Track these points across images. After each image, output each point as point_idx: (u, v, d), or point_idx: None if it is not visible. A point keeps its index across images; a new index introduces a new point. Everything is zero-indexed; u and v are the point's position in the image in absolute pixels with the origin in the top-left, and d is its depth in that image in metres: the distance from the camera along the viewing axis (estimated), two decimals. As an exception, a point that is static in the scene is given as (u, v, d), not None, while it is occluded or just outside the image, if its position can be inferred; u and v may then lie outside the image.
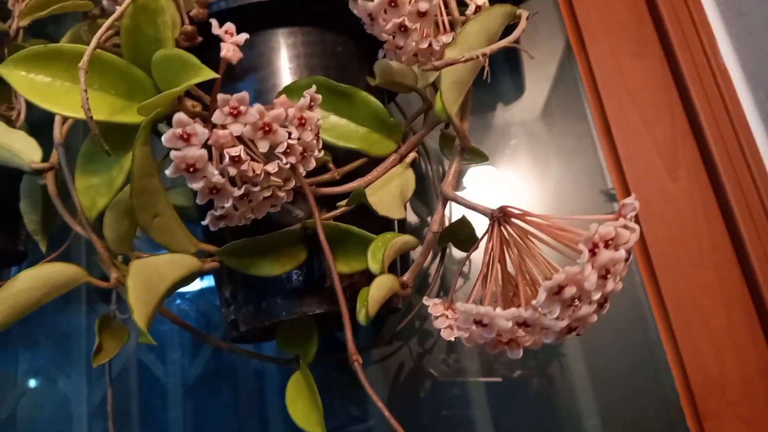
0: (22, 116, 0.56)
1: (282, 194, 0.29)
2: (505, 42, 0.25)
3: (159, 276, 0.30)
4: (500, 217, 0.26)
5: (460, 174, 0.39)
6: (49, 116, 0.64)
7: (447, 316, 0.26)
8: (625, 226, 0.23)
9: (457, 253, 0.53)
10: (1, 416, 0.60)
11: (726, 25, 0.55)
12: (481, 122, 0.58)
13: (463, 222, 0.47)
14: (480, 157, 0.38)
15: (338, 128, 0.35)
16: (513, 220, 0.26)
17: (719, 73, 0.54)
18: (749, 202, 0.50)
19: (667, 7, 0.56)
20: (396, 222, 0.42)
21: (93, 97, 0.32)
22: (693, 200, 0.52)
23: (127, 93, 0.33)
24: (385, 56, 0.36)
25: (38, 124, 0.62)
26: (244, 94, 0.26)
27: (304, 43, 0.40)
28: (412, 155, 0.37)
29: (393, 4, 0.31)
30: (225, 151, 0.26)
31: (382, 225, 0.37)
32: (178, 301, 0.60)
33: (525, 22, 0.27)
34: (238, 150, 0.26)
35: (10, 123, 0.56)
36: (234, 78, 0.39)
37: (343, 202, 0.34)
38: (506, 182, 0.55)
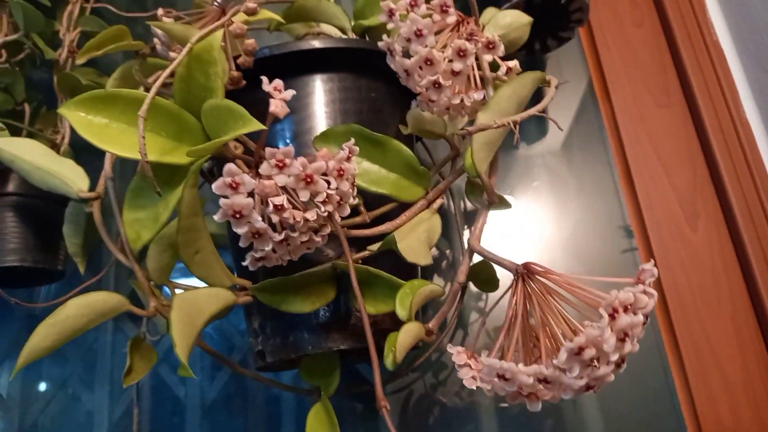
0: (66, 140, 0.59)
1: (318, 239, 0.31)
2: (534, 110, 0.26)
3: (198, 310, 0.32)
4: (524, 273, 0.27)
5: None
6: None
7: (470, 366, 0.27)
8: (644, 291, 0.24)
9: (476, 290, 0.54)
10: (24, 426, 0.62)
11: (749, 80, 0.57)
12: (503, 160, 0.60)
13: (485, 264, 0.48)
14: (504, 205, 0.40)
15: (370, 174, 0.37)
16: (536, 276, 0.27)
17: (741, 125, 0.55)
18: (767, 254, 0.51)
19: (691, 59, 0.58)
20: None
21: (146, 138, 0.34)
22: (711, 250, 0.53)
23: (177, 135, 0.35)
24: (417, 106, 0.38)
25: (79, 146, 0.64)
26: (290, 149, 0.28)
27: (340, 88, 0.42)
28: (439, 201, 0.38)
29: (429, 63, 0.33)
30: (269, 199, 0.28)
31: (408, 265, 0.38)
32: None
33: (554, 91, 0.29)
34: (282, 199, 0.28)
35: (55, 146, 0.59)
36: (273, 120, 0.41)
37: (374, 246, 0.36)
38: (526, 220, 0.57)
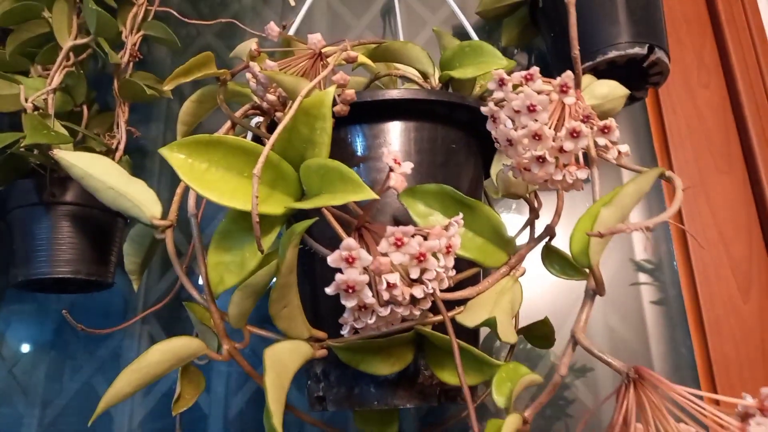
0: (122, 146, 0.59)
1: (417, 312, 0.30)
2: (664, 216, 0.26)
3: (285, 369, 0.32)
4: (636, 378, 0.27)
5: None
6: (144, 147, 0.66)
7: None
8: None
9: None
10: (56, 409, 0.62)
11: (814, 156, 0.57)
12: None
13: (545, 323, 0.48)
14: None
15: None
16: (647, 383, 0.27)
17: (801, 200, 0.55)
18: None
19: (756, 129, 0.57)
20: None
21: (242, 185, 0.34)
22: (762, 322, 0.53)
23: (272, 182, 0.34)
24: (509, 171, 0.38)
25: (131, 150, 0.64)
26: (410, 229, 0.27)
27: (417, 138, 0.41)
28: (522, 269, 0.38)
29: (537, 138, 0.33)
30: (384, 277, 0.27)
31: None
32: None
33: (681, 195, 0.28)
34: (396, 278, 0.27)
35: (110, 151, 0.58)
36: (353, 161, 0.41)
37: (461, 308, 0.35)
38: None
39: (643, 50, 0.48)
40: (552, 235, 0.40)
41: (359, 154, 0.41)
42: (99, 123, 0.62)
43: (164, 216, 0.41)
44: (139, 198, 0.41)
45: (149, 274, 0.66)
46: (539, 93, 0.32)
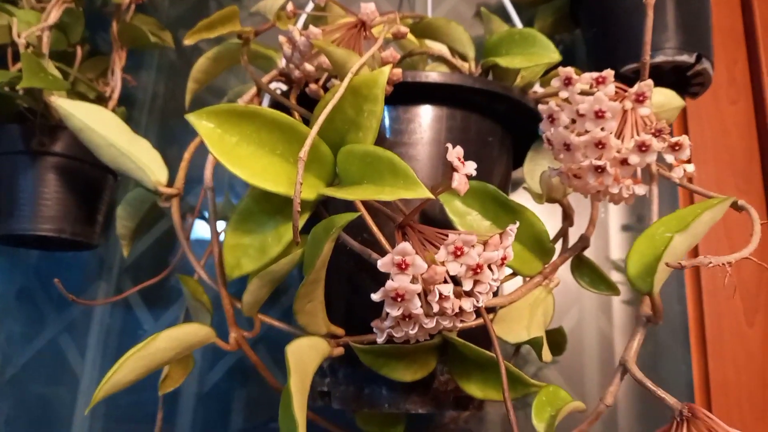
0: (116, 95, 0.54)
1: (459, 324, 0.28)
2: (744, 253, 0.24)
3: (305, 371, 0.29)
4: (689, 417, 0.26)
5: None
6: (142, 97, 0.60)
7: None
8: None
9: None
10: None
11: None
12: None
13: (559, 332, 0.46)
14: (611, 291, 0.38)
15: (497, 242, 0.34)
16: (700, 422, 0.25)
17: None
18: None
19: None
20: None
21: (274, 163, 0.30)
22: (765, 348, 0.53)
23: (306, 164, 0.31)
24: (554, 176, 0.35)
25: (125, 101, 0.59)
26: (473, 238, 0.25)
27: (449, 128, 0.38)
28: (557, 280, 0.36)
29: (600, 146, 0.30)
30: (437, 287, 0.25)
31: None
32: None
33: (760, 229, 0.26)
34: (449, 289, 0.25)
35: (102, 99, 0.53)
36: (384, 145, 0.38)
37: (490, 316, 0.33)
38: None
39: (691, 59, 0.46)
40: (586, 246, 0.38)
41: (388, 137, 0.38)
42: (91, 67, 0.57)
43: (169, 182, 0.37)
44: (143, 160, 0.37)
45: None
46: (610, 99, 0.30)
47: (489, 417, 0.52)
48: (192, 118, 0.29)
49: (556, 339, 0.46)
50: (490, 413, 0.51)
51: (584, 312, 0.54)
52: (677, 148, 0.29)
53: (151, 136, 0.64)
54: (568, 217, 0.39)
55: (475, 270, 0.25)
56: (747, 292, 0.54)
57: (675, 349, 0.54)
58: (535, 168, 0.41)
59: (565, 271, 0.38)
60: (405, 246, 0.24)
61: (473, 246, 0.25)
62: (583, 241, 0.38)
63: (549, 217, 0.38)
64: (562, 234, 0.39)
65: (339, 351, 0.33)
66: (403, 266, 0.24)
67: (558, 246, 0.38)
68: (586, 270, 0.38)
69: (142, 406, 0.56)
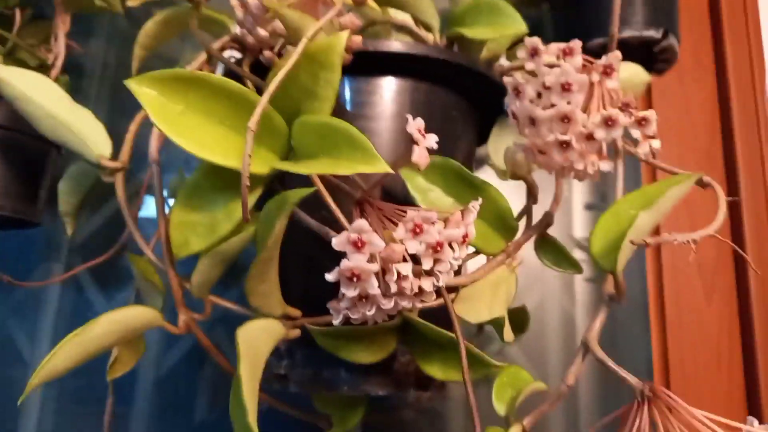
0: (60, 62, 0.51)
1: (419, 304, 0.27)
2: (710, 230, 0.24)
3: (257, 356, 0.27)
4: (650, 397, 0.25)
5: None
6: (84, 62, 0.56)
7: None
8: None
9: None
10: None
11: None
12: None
13: (522, 310, 0.46)
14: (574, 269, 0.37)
15: (459, 219, 0.33)
16: (661, 402, 0.25)
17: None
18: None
19: (741, 131, 0.57)
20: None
21: (221, 135, 0.28)
22: (721, 327, 0.54)
23: (257, 136, 0.29)
24: (519, 152, 0.34)
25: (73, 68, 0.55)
26: (434, 214, 0.23)
27: (413, 101, 0.37)
28: (520, 258, 0.35)
29: (566, 120, 0.29)
30: (395, 267, 0.23)
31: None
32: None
33: (725, 208, 0.26)
34: (408, 269, 0.24)
35: (44, 67, 0.50)
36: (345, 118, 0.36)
37: (452, 296, 0.32)
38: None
39: (658, 34, 0.45)
40: (550, 224, 0.37)
41: (349, 110, 0.36)
42: (32, 32, 0.53)
43: (114, 156, 0.35)
44: (85, 132, 0.35)
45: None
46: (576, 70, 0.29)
47: (453, 396, 0.52)
48: (132, 84, 0.26)
49: (519, 318, 0.46)
50: (454, 393, 0.50)
51: (547, 291, 0.54)
52: (643, 123, 0.29)
53: (101, 107, 0.61)
54: (532, 195, 0.38)
55: (435, 248, 0.24)
56: (705, 269, 0.55)
57: (634, 327, 0.54)
58: (499, 144, 0.40)
59: (528, 249, 0.37)
60: (361, 223, 0.23)
61: (433, 223, 0.24)
62: (547, 219, 0.37)
63: (513, 195, 0.37)
64: (526, 212, 0.38)
65: (295, 333, 0.32)
66: (359, 244, 0.23)
67: (521, 224, 0.37)
68: (549, 248, 0.38)
69: (95, 389, 0.54)
